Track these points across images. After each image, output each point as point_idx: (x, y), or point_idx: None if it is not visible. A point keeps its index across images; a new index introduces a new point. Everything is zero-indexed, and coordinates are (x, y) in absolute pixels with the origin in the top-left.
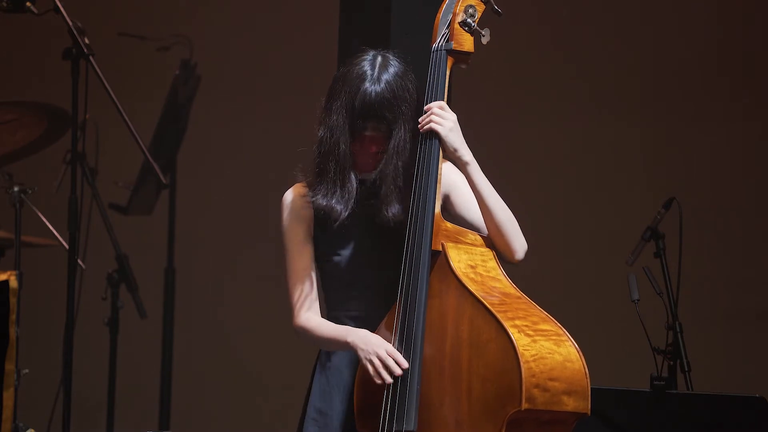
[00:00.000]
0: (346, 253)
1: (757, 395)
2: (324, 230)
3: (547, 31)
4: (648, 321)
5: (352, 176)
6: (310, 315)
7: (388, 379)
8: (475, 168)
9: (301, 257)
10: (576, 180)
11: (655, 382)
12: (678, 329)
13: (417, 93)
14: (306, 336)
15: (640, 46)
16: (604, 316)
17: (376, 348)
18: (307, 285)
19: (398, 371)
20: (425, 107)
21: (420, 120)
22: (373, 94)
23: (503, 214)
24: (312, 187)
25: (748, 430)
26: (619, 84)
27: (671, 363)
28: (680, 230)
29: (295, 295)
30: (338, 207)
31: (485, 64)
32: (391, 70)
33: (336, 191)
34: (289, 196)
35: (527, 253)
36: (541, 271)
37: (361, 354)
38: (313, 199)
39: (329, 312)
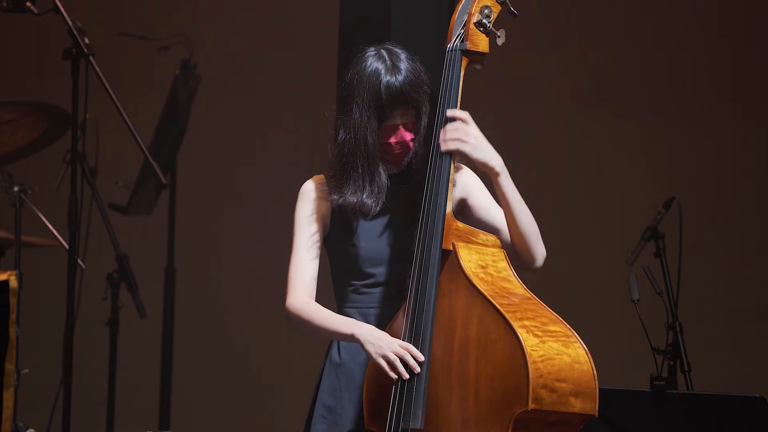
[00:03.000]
0: (365, 246)
1: (757, 395)
2: (345, 222)
3: (548, 30)
4: (648, 321)
5: (381, 170)
6: (307, 299)
7: (405, 375)
8: (504, 178)
9: (307, 242)
10: (576, 180)
11: (655, 382)
12: (678, 329)
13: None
14: (299, 319)
15: (641, 47)
16: (604, 316)
17: (389, 344)
18: (308, 269)
19: (417, 368)
20: (445, 126)
21: (441, 138)
22: (397, 83)
23: (529, 223)
24: (336, 187)
25: (748, 430)
26: (619, 84)
27: (671, 363)
28: (680, 230)
29: (294, 276)
30: (369, 201)
31: (485, 64)
32: (402, 56)
33: (365, 187)
34: (308, 185)
35: None
36: (541, 271)
37: (372, 350)
38: (340, 198)
39: (338, 305)
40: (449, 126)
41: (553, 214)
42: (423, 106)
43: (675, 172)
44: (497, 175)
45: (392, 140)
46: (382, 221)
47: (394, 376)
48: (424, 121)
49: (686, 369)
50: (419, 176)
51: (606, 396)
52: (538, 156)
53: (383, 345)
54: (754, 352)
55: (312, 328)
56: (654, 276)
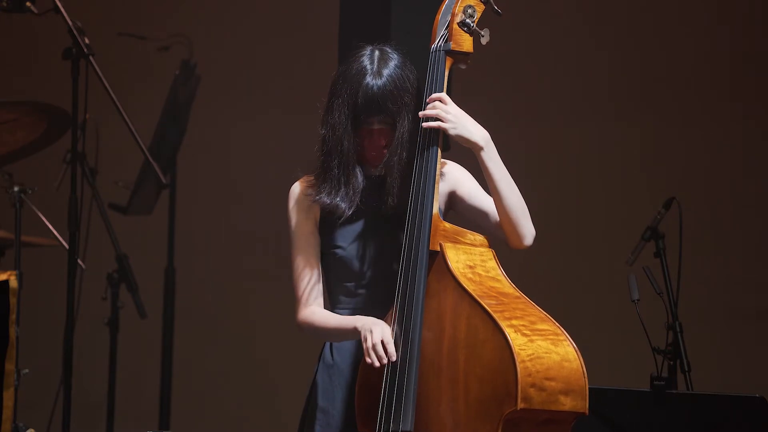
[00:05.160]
0: (350, 247)
1: (757, 395)
2: (330, 223)
3: (546, 31)
4: (648, 321)
5: (357, 172)
6: (314, 308)
7: (377, 363)
8: (489, 153)
9: (306, 250)
10: (576, 180)
11: (655, 382)
12: (678, 329)
13: (417, 83)
14: (311, 330)
15: (641, 47)
16: (604, 316)
17: (378, 326)
18: (311, 278)
19: (384, 358)
20: (427, 100)
21: (422, 116)
22: (375, 88)
23: (514, 198)
24: (316, 185)
25: (748, 430)
26: (618, 84)
27: (671, 363)
28: (680, 230)
29: (300, 289)
30: (342, 204)
31: (483, 65)
32: (391, 63)
33: (340, 189)
34: (296, 189)
35: (527, 253)
36: (541, 271)
37: (362, 330)
38: (318, 198)
39: (331, 306)
40: (428, 106)
41: (553, 214)
42: (401, 116)
43: (675, 172)
44: (481, 149)
45: (366, 143)
46: (367, 222)
47: (368, 358)
48: (402, 130)
49: (686, 369)
50: (393, 182)
51: (606, 396)
52: (538, 156)
53: (374, 325)
54: (754, 352)
55: (322, 335)
56: (654, 276)
